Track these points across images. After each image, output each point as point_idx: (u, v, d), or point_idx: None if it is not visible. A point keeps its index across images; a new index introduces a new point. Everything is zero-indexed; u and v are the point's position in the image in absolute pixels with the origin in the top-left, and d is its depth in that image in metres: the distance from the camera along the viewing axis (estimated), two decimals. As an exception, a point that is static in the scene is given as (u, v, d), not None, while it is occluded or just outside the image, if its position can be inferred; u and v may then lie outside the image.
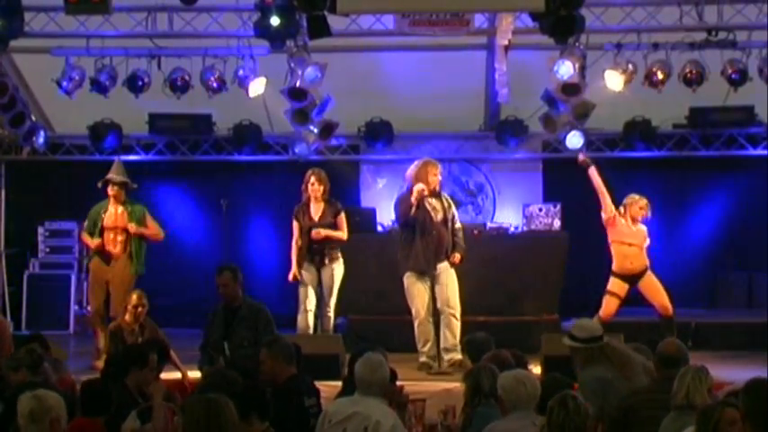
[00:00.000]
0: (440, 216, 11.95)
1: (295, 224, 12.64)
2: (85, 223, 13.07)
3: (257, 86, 14.15)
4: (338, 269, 12.56)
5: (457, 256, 11.92)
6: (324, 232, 12.44)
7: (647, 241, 12.69)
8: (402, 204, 12.05)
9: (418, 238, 11.82)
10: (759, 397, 5.46)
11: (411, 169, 12.19)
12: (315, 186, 12.57)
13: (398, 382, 8.31)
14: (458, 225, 12.17)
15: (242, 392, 6.58)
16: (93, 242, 12.86)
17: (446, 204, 12.12)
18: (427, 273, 11.84)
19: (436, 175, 12.05)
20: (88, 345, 13.20)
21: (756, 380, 5.68)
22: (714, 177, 16.06)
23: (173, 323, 13.33)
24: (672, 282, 13.59)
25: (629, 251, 12.63)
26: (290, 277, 12.57)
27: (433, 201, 11.99)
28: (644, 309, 12.94)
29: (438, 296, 11.87)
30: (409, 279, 11.89)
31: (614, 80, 13.91)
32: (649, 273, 12.69)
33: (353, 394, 7.18)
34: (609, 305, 12.65)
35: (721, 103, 15.14)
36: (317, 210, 12.60)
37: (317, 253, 12.52)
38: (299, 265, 12.52)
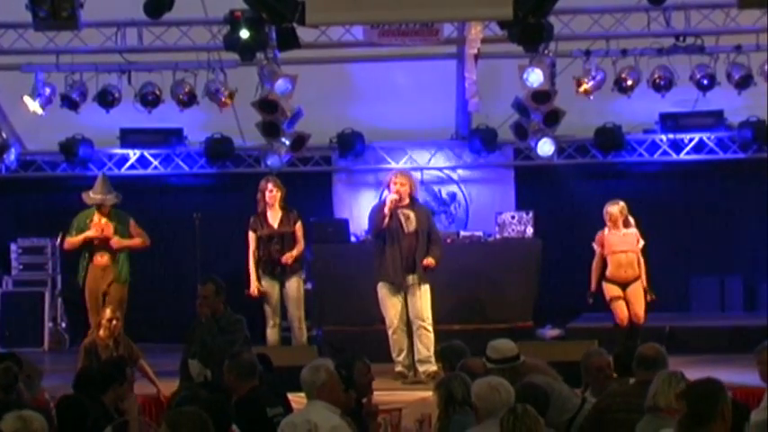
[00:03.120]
0: (413, 227, 11.86)
1: (251, 235, 12.49)
2: (71, 230, 12.66)
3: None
4: (301, 281, 12.50)
5: (430, 260, 11.78)
6: (292, 257, 12.32)
7: (641, 243, 12.65)
8: (376, 215, 12.02)
9: (388, 248, 11.79)
10: (700, 398, 5.55)
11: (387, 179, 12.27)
12: (273, 193, 12.44)
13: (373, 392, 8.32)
14: (435, 236, 12.12)
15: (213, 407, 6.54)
16: (82, 235, 12.41)
17: (423, 215, 12.07)
18: (398, 283, 11.81)
19: (395, 184, 11.91)
20: (62, 362, 13.13)
21: (698, 382, 5.75)
22: (684, 182, 16.11)
23: (147, 337, 13.29)
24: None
25: (624, 259, 12.57)
26: (253, 291, 12.40)
27: (407, 211, 11.93)
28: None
29: (410, 308, 11.83)
30: (382, 290, 11.88)
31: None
32: (639, 282, 12.64)
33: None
34: (618, 310, 12.54)
35: (691, 107, 15.24)
36: (274, 217, 12.46)
37: (278, 265, 12.40)
38: (259, 278, 12.41)
